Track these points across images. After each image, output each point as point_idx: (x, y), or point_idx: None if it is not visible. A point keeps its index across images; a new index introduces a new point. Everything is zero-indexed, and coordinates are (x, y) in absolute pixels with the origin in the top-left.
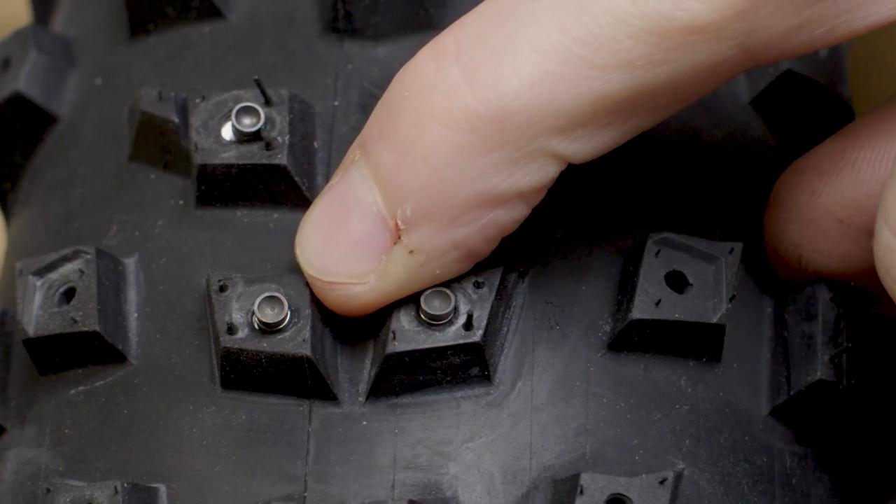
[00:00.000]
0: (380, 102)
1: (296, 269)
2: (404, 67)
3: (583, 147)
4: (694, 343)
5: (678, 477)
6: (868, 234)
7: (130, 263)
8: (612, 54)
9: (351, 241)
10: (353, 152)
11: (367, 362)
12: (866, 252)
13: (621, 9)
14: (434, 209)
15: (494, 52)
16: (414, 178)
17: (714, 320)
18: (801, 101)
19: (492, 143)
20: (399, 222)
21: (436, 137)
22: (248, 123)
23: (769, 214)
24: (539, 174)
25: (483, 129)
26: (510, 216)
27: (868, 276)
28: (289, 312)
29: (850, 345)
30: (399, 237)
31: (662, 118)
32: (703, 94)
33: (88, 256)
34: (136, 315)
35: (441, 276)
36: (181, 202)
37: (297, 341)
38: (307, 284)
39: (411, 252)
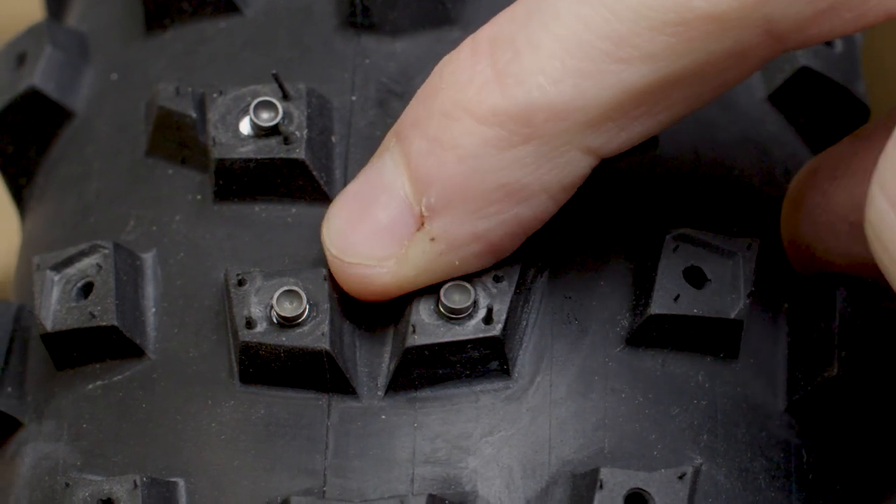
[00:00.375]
0: (418, 91)
1: (314, 263)
2: (445, 59)
3: (613, 140)
4: (712, 338)
5: (696, 472)
6: None
7: (148, 258)
8: (633, 47)
9: (376, 225)
10: (390, 139)
11: (386, 356)
12: None
13: (640, 1)
14: (457, 199)
15: (522, 49)
16: (441, 167)
17: (732, 316)
18: (817, 98)
19: (518, 137)
20: (423, 209)
21: (465, 128)
22: (265, 118)
23: (785, 212)
24: (568, 169)
25: (510, 124)
26: (534, 212)
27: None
28: (307, 306)
29: (866, 341)
30: (423, 224)
31: (696, 108)
32: (738, 81)
33: (106, 251)
34: (153, 310)
35: (460, 267)
36: (199, 197)
37: (316, 335)
38: (326, 278)
39: (432, 239)
